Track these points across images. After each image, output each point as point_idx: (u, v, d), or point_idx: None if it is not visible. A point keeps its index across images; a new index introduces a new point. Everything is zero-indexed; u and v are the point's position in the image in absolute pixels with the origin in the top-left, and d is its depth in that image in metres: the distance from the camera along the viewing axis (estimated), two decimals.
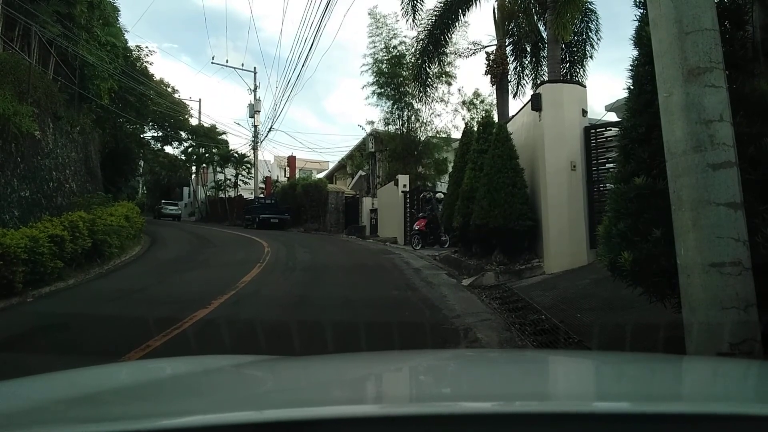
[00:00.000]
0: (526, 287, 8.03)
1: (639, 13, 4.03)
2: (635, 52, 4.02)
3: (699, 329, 3.06)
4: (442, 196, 16.23)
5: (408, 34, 21.75)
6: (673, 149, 3.19)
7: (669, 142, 3.23)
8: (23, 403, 1.44)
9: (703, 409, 1.13)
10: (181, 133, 37.72)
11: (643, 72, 3.79)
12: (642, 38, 3.85)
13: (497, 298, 7.77)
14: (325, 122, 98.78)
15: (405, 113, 23.48)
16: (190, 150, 38.17)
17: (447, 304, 7.55)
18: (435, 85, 19.96)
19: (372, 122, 25.09)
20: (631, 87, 3.95)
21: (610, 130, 8.74)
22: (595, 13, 14.19)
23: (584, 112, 9.02)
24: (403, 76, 22.59)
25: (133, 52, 27.66)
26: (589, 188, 8.72)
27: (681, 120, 3.15)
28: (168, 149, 39.93)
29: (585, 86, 9.70)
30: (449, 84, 22.35)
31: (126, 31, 23.94)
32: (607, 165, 8.65)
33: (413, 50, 17.84)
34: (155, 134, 37.36)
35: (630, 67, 4.00)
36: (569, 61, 14.01)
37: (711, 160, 3.05)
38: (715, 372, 1.79)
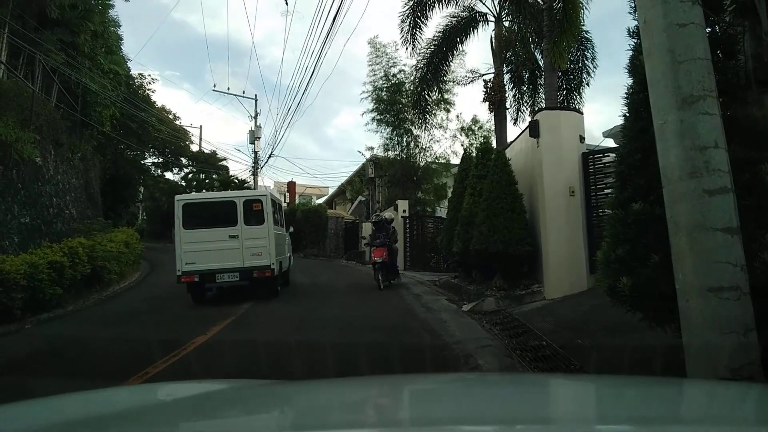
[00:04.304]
0: (526, 313, 8.01)
1: (633, 43, 4.12)
2: (630, 80, 4.10)
3: (699, 354, 3.07)
4: (392, 217, 14.41)
5: (407, 62, 22.06)
6: (669, 175, 3.24)
7: (665, 169, 3.27)
8: (22, 426, 1.44)
9: None
10: (182, 159, 37.88)
11: (638, 99, 3.86)
12: (636, 67, 3.93)
13: (498, 323, 7.74)
14: (324, 148, 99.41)
15: (404, 139, 23.66)
16: (190, 176, 38.27)
17: (447, 330, 7.53)
18: (434, 112, 20.17)
19: (371, 148, 25.26)
20: (627, 114, 4.01)
21: (608, 155, 8.80)
22: (591, 41, 14.47)
23: (582, 139, 9.11)
24: (403, 103, 22.81)
25: (136, 80, 27.98)
26: (588, 213, 8.75)
27: (676, 147, 3.20)
28: (168, 175, 40.06)
29: (582, 113, 9.81)
30: (448, 111, 22.57)
31: (128, 59, 24.23)
32: (605, 190, 8.69)
33: (412, 78, 18.10)
34: (156, 160, 37.53)
35: (625, 95, 4.07)
36: (566, 88, 14.20)
37: (707, 186, 3.09)
38: (715, 395, 1.79)
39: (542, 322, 7.23)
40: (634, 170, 3.73)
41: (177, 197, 12.04)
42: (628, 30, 4.11)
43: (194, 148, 38.88)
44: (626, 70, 4.09)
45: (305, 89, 31.76)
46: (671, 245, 3.24)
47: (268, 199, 11.35)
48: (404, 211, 19.39)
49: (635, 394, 1.71)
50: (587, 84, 14.40)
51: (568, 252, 8.62)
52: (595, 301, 7.62)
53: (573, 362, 5.38)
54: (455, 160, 21.91)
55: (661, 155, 3.30)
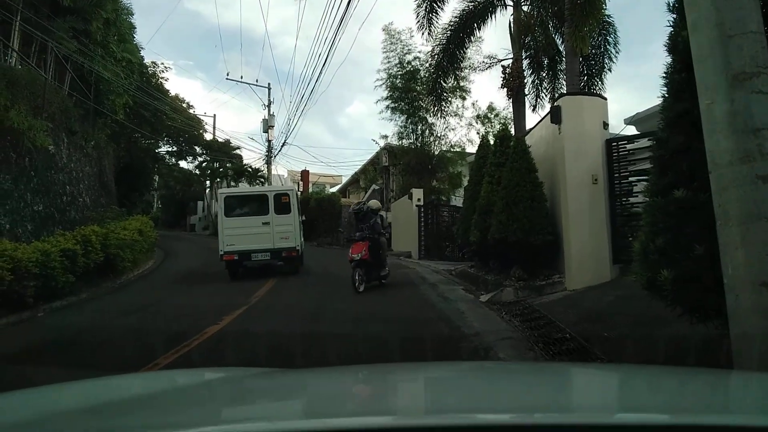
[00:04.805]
0: (547, 304, 7.77)
1: (672, 19, 3.84)
2: (669, 59, 3.83)
3: (749, 352, 2.83)
4: (378, 205, 11.83)
5: (422, 49, 21.65)
6: (718, 160, 2.98)
7: (713, 153, 3.01)
8: (30, 414, 1.42)
9: (734, 422, 1.08)
10: (196, 147, 37.90)
11: (679, 79, 3.59)
12: (677, 44, 3.65)
13: (518, 315, 7.51)
14: (338, 137, 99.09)
15: (419, 127, 23.33)
16: (204, 164, 38.27)
17: (466, 322, 7.31)
18: (449, 99, 19.82)
19: (386, 136, 24.96)
20: (666, 95, 3.74)
21: (633, 142, 8.50)
22: (613, 26, 14.00)
23: (605, 125, 8.79)
24: (417, 90, 22.49)
25: (149, 68, 27.90)
26: (611, 202, 8.46)
27: (726, 129, 2.95)
28: (182, 164, 40.16)
29: (605, 98, 9.45)
30: (463, 98, 22.21)
31: (142, 47, 24.13)
32: (630, 178, 8.42)
33: (428, 65, 17.77)
34: (170, 149, 37.58)
35: (664, 74, 3.80)
36: (587, 74, 13.77)
37: (760, 172, 2.83)
38: (747, 386, 1.69)
39: (564, 313, 6.99)
40: (675, 155, 3.46)
41: (219, 191, 16.12)
42: (668, 4, 3.83)
43: (208, 136, 38.89)
44: (665, 48, 3.81)
45: (318, 77, 31.48)
46: (718, 236, 2.99)
47: (294, 193, 14.01)
48: (419, 199, 19.17)
49: (659, 384, 1.65)
50: (609, 70, 14.00)
51: (590, 241, 8.35)
52: (619, 291, 7.37)
53: (599, 356, 5.15)
54: (470, 149, 21.62)
55: (708, 138, 3.04)
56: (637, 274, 3.57)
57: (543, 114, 11.80)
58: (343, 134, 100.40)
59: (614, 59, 14.04)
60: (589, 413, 1.27)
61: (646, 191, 3.75)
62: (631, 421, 1.13)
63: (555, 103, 9.43)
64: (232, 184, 37.53)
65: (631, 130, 12.86)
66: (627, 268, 8.19)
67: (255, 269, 13.60)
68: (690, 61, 3.25)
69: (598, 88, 13.88)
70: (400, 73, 23.33)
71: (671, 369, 2.40)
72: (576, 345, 5.62)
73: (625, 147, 8.51)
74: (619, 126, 15.70)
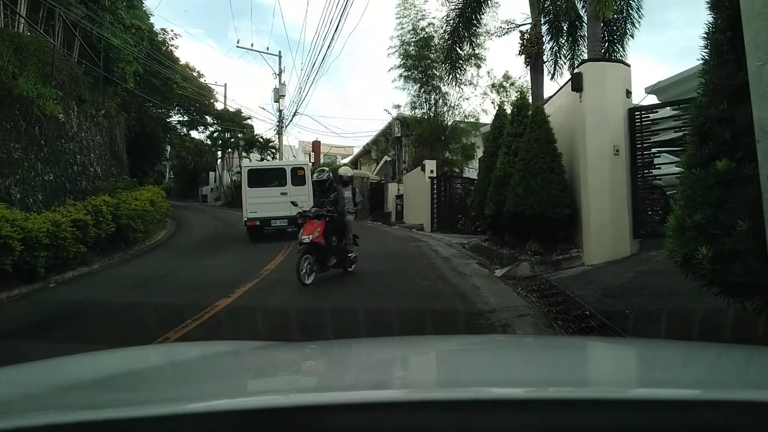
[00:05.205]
0: (565, 279, 7.56)
1: None
2: (710, 18, 3.52)
3: None
4: (350, 173, 10.93)
5: (436, 14, 21.10)
6: (767, 128, 2.72)
7: (761, 120, 2.75)
8: (39, 386, 1.40)
9: (739, 397, 1.03)
10: (207, 117, 37.66)
11: (723, 39, 3.29)
12: (722, 0, 3.34)
13: (534, 290, 7.32)
14: (350, 107, 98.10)
15: (432, 97, 22.88)
16: (215, 135, 38.07)
17: (481, 297, 7.14)
18: (464, 68, 19.27)
19: (398, 106, 24.55)
20: (707, 57, 3.44)
21: (657, 111, 8.16)
22: None
23: (628, 93, 8.43)
24: (431, 58, 21.98)
25: (159, 36, 27.51)
26: (633, 174, 8.15)
27: None
28: (194, 134, 39.98)
29: (629, 65, 9.06)
30: (479, 67, 21.61)
31: (151, 14, 23.73)
32: (653, 149, 8.11)
33: (442, 31, 17.28)
34: (181, 119, 37.37)
35: (705, 35, 3.50)
36: (608, 40, 13.23)
37: None
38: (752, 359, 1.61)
39: (583, 289, 6.78)
40: (716, 123, 3.18)
41: (243, 165, 19.85)
42: None
43: (219, 106, 38.60)
44: (707, 5, 3.50)
45: (330, 43, 30.89)
46: (764, 210, 2.75)
47: (308, 167, 16.26)
48: (431, 171, 18.90)
49: (678, 358, 1.61)
50: (632, 36, 13.45)
51: (610, 215, 8.08)
52: (640, 267, 7.14)
53: (621, 334, 4.95)
54: (485, 119, 21.19)
55: (757, 104, 2.78)
56: (671, 251, 3.34)
57: (562, 83, 11.41)
58: (355, 104, 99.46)
59: (637, 24, 13.51)
60: (606, 388, 1.24)
61: (682, 162, 3.47)
62: (650, 396, 1.07)
63: (576, 70, 9.06)
64: (244, 154, 37.40)
65: (652, 100, 12.45)
66: (647, 243, 7.96)
67: (272, 234, 14.77)
68: (737, 19, 2.97)
69: (619, 54, 13.35)
70: (413, 40, 22.80)
71: (696, 344, 2.30)
72: (597, 322, 5.43)
73: (648, 117, 8.17)
74: (639, 95, 15.21)
